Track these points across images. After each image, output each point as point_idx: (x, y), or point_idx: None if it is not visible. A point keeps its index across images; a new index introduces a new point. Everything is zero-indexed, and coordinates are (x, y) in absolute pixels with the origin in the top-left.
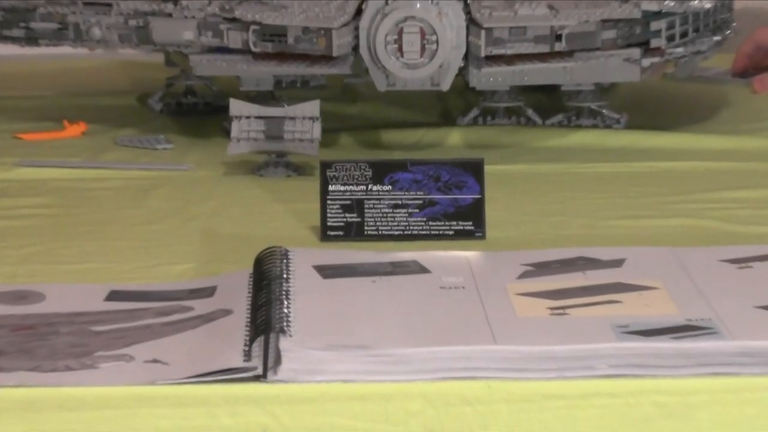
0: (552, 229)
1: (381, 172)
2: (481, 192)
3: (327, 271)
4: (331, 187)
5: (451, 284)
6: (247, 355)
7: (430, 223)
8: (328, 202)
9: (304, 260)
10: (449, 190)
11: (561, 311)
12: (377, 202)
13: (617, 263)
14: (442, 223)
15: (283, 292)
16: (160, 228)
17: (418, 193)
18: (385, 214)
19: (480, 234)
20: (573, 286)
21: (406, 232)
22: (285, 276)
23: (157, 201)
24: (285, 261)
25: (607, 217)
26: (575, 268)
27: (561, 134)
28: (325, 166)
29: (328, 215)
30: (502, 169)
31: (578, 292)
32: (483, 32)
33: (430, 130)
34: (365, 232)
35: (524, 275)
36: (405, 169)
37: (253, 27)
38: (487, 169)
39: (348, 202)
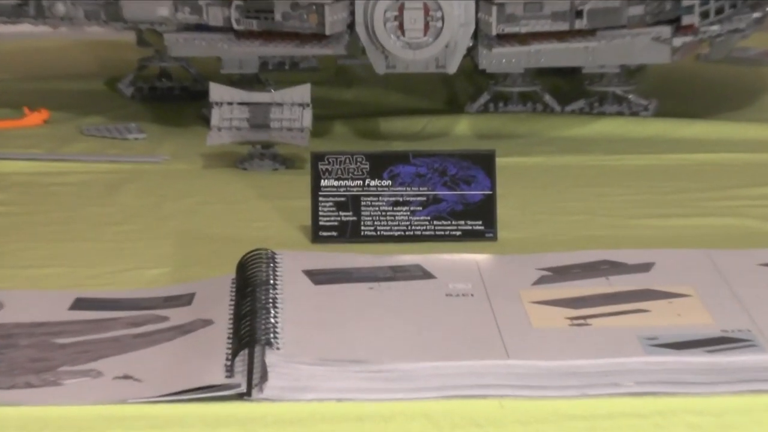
0: (572, 230)
1: (380, 165)
2: (492, 187)
3: (319, 277)
4: (323, 182)
5: (458, 291)
6: (230, 371)
7: (435, 222)
8: (320, 198)
9: (293, 264)
10: (456, 185)
11: (582, 321)
12: (375, 198)
13: (645, 267)
14: (449, 222)
15: (270, 300)
16: (131, 228)
17: (421, 188)
18: (384, 213)
19: (491, 235)
20: (595, 293)
21: (407, 233)
22: (272, 282)
23: (128, 197)
24: (272, 265)
25: (633, 216)
26: (598, 272)
27: (582, 123)
28: (317, 158)
29: (320, 214)
30: (516, 162)
31: (601, 299)
32: (494, 8)
33: (434, 118)
34: (362, 233)
35: (540, 281)
36: (407, 161)
37: (235, 2)
38: (499, 161)
39: (342, 198)
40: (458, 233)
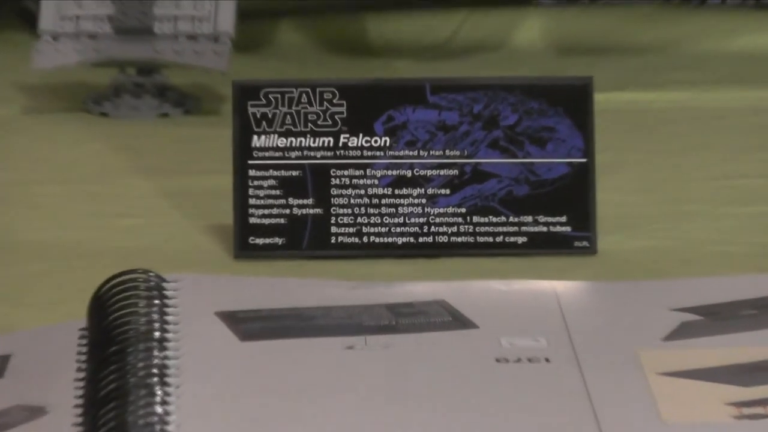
0: (738, 233)
1: (368, 107)
2: (588, 152)
3: (249, 326)
4: (256, 142)
5: (520, 353)
6: None
7: (476, 218)
8: (252, 172)
9: (199, 300)
10: (518, 146)
11: (758, 411)
12: (359, 173)
13: None
14: (503, 218)
15: (154, 372)
16: None
17: (449, 153)
18: (375, 200)
19: (585, 243)
20: None
21: (422, 240)
22: (158, 335)
23: None
24: (158, 302)
25: None
26: None
27: (755, 27)
28: (245, 93)
29: (252, 203)
30: (633, 101)
31: None
32: None
33: (474, 16)
34: (333, 239)
35: (679, 333)
36: (420, 100)
37: None
38: (600, 99)
39: (294, 172)
40: (521, 240)
